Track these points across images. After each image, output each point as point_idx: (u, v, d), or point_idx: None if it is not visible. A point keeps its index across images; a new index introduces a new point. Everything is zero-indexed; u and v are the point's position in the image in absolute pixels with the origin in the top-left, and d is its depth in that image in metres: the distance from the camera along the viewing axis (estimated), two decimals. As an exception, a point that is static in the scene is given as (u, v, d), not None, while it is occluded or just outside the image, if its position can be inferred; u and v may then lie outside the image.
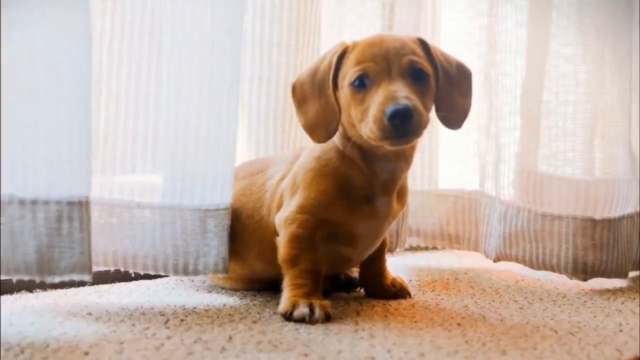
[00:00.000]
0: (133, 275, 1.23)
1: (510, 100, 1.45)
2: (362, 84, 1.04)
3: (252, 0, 1.34)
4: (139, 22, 1.14)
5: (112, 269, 1.16)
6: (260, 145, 1.37)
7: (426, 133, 1.56)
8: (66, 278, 0.99)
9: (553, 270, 1.39)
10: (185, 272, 1.14)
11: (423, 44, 1.10)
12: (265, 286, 1.23)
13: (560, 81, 1.42)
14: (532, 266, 1.41)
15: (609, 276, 1.38)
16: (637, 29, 1.47)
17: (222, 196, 1.15)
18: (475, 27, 1.57)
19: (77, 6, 0.99)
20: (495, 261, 1.46)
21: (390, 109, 0.98)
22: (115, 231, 1.13)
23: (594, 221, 1.37)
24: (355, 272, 1.29)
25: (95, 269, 1.19)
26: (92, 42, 1.03)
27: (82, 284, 1.24)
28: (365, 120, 1.02)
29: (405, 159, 1.11)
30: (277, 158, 1.23)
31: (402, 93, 1.00)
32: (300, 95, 1.11)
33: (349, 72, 1.05)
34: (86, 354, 0.86)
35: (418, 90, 1.03)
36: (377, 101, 1.00)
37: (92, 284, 1.25)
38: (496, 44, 1.47)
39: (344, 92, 1.06)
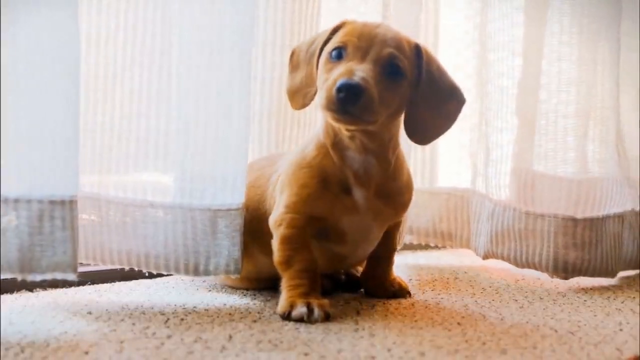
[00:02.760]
0: (139, 273, 1.23)
1: (501, 100, 1.45)
2: (338, 56, 1.05)
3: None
4: (151, 22, 1.15)
5: (126, 267, 1.16)
6: (255, 144, 1.37)
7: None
8: (48, 277, 0.99)
9: (535, 268, 1.40)
10: (196, 272, 1.15)
11: (417, 49, 1.09)
12: (269, 285, 1.22)
13: (552, 80, 1.43)
14: (516, 264, 1.42)
15: (592, 275, 1.38)
16: (633, 26, 1.49)
17: (234, 196, 1.15)
18: (471, 26, 1.58)
19: (65, 6, 0.99)
20: (484, 259, 1.47)
21: (340, 81, 0.98)
22: (129, 230, 1.14)
23: (575, 220, 1.37)
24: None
25: (109, 267, 1.22)
26: (81, 42, 1.03)
27: (81, 283, 1.24)
28: (322, 89, 1.03)
29: (374, 154, 1.10)
30: (286, 153, 1.23)
31: (360, 73, 1.00)
32: (295, 61, 1.14)
33: (332, 42, 1.06)
34: (86, 353, 0.86)
35: (386, 83, 1.03)
36: (336, 72, 1.01)
37: (92, 283, 1.26)
38: (486, 43, 1.47)
39: (322, 60, 1.07)
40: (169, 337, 0.94)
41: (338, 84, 0.98)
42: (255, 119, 1.36)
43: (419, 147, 1.57)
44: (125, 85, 1.15)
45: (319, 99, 1.03)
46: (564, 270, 1.37)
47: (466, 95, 1.55)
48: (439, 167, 1.62)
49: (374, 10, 1.48)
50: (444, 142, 1.62)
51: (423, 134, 1.12)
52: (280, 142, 1.38)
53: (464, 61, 1.58)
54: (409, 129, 1.10)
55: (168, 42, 1.15)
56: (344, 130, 1.07)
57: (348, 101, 0.98)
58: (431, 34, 1.56)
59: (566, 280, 1.39)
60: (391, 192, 1.13)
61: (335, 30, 1.09)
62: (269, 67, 1.36)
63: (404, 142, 1.47)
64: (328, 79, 1.02)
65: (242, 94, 1.15)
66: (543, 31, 1.43)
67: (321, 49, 1.09)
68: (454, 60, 1.59)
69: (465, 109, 1.56)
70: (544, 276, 1.45)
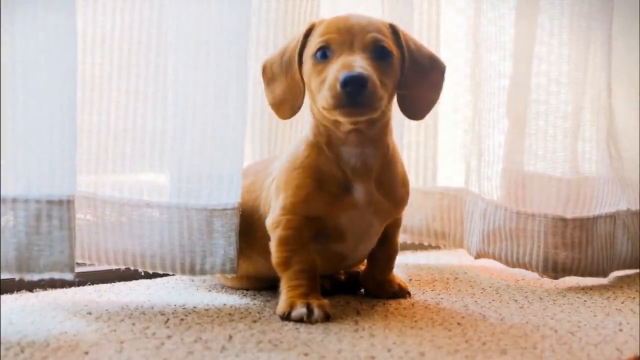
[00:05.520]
0: (139, 273, 1.23)
1: (493, 101, 1.45)
2: (324, 56, 1.05)
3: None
4: (147, 22, 1.15)
5: (122, 267, 1.17)
6: (247, 144, 1.36)
7: (423, 131, 1.55)
8: (46, 276, 0.99)
9: (526, 268, 1.41)
10: (192, 271, 1.15)
11: (393, 28, 1.10)
12: (269, 285, 1.22)
13: (543, 80, 1.43)
14: (507, 264, 1.43)
15: (582, 275, 1.39)
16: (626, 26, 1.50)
17: (229, 196, 1.15)
18: (466, 26, 1.58)
19: (63, 7, 0.99)
20: (476, 258, 1.48)
21: (343, 75, 0.98)
22: (125, 229, 1.14)
23: (564, 220, 1.38)
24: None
25: (109, 267, 1.22)
26: (77, 41, 1.03)
27: (81, 283, 1.24)
28: (322, 90, 1.02)
29: (373, 144, 1.10)
30: (279, 157, 1.23)
31: (358, 63, 1.00)
32: (270, 74, 1.14)
33: (312, 44, 1.06)
34: (86, 353, 0.86)
35: (379, 67, 1.04)
36: (334, 69, 1.01)
37: (92, 283, 1.26)
38: (480, 45, 1.47)
39: (307, 65, 1.07)
40: (169, 337, 0.94)
41: (342, 78, 0.98)
42: (248, 119, 1.36)
43: (413, 146, 1.58)
44: (121, 85, 1.15)
45: (322, 102, 1.02)
46: (554, 270, 1.38)
47: (464, 97, 1.57)
48: (438, 167, 1.62)
49: (370, 12, 1.48)
50: (443, 143, 1.63)
51: (416, 109, 1.13)
52: (272, 142, 1.39)
53: (463, 62, 1.58)
54: (402, 106, 1.11)
55: (164, 42, 1.15)
56: (349, 124, 1.06)
57: (356, 93, 0.98)
58: (426, 34, 1.55)
59: (556, 280, 1.40)
60: (389, 182, 1.13)
61: (307, 34, 1.09)
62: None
63: (402, 141, 1.48)
64: (324, 79, 1.02)
65: (239, 93, 1.15)
66: (534, 31, 1.43)
67: (299, 55, 1.09)
68: (454, 62, 1.59)
69: (463, 111, 1.57)
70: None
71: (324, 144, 1.10)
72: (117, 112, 1.15)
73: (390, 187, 1.13)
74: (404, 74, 1.09)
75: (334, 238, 1.13)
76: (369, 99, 1.00)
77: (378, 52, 1.05)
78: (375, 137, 1.10)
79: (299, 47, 1.09)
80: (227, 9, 1.13)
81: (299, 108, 1.10)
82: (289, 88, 1.11)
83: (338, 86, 0.99)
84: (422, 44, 1.16)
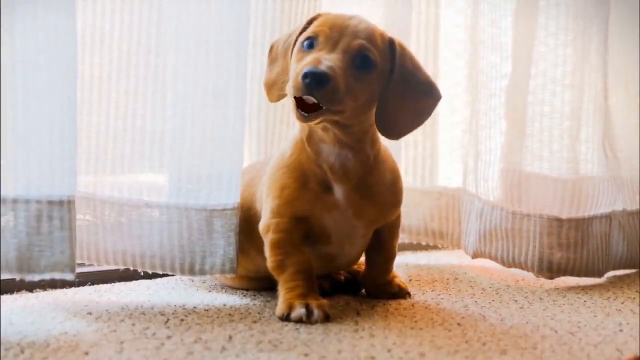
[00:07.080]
0: (139, 273, 1.23)
1: (491, 102, 1.45)
2: (310, 45, 1.04)
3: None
4: (146, 22, 1.15)
5: (121, 267, 1.17)
6: (245, 144, 1.37)
7: (422, 130, 1.54)
8: (47, 276, 0.99)
9: (521, 268, 1.41)
10: (192, 271, 1.15)
11: (391, 43, 1.08)
12: (269, 284, 1.22)
13: (540, 82, 1.43)
14: (503, 263, 1.43)
15: (578, 275, 1.40)
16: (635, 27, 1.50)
17: (229, 196, 1.15)
18: (463, 28, 1.57)
19: (63, 7, 0.99)
20: (473, 258, 1.48)
21: (306, 68, 0.98)
22: (124, 230, 1.14)
23: (559, 220, 1.38)
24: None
25: (108, 267, 1.22)
26: (77, 40, 1.03)
27: (81, 283, 1.24)
28: (291, 77, 1.03)
29: (349, 147, 1.08)
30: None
31: (327, 62, 0.99)
32: (274, 54, 1.14)
33: (306, 33, 1.06)
34: (86, 353, 0.86)
35: (356, 75, 1.02)
36: (305, 61, 1.01)
37: (92, 283, 1.26)
38: (478, 46, 1.48)
39: (294, 51, 1.07)
40: (169, 337, 0.94)
41: (304, 70, 0.98)
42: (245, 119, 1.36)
43: (411, 146, 1.58)
44: (120, 86, 1.15)
45: (288, 88, 1.02)
46: (549, 269, 1.39)
47: (463, 97, 1.57)
48: (436, 167, 1.62)
49: (368, 13, 1.48)
50: (442, 143, 1.63)
51: (392, 128, 1.10)
52: (269, 142, 1.39)
53: (463, 63, 1.58)
54: (378, 122, 1.08)
55: (163, 42, 1.15)
56: (312, 123, 1.05)
57: (314, 89, 0.97)
58: (424, 34, 1.55)
59: (551, 280, 1.40)
60: (372, 188, 1.12)
61: (310, 22, 1.09)
62: (259, 67, 1.35)
63: (402, 141, 1.47)
64: (297, 67, 1.02)
65: (238, 93, 1.15)
66: (534, 32, 1.43)
67: (296, 41, 1.09)
68: (453, 62, 1.59)
69: (461, 112, 1.57)
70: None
71: (305, 140, 1.10)
72: (116, 113, 1.15)
73: (375, 193, 1.12)
74: (390, 91, 1.07)
75: (320, 239, 1.12)
76: (326, 98, 0.98)
77: (360, 60, 1.03)
78: (352, 143, 1.09)
79: (299, 33, 1.09)
80: (227, 9, 1.13)
81: (286, 93, 1.09)
82: (282, 71, 1.11)
83: (300, 77, 0.98)
84: (423, 68, 1.13)
